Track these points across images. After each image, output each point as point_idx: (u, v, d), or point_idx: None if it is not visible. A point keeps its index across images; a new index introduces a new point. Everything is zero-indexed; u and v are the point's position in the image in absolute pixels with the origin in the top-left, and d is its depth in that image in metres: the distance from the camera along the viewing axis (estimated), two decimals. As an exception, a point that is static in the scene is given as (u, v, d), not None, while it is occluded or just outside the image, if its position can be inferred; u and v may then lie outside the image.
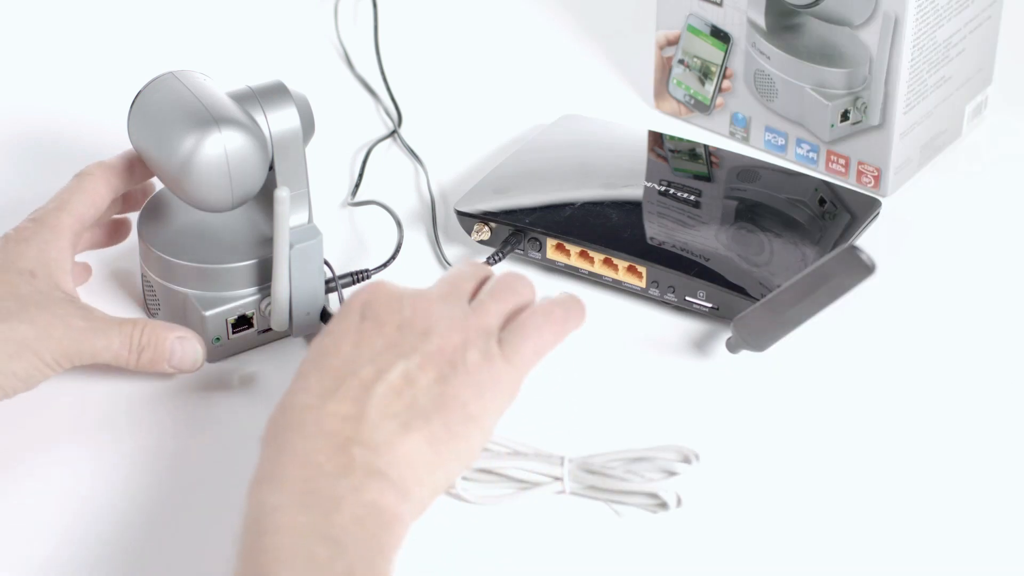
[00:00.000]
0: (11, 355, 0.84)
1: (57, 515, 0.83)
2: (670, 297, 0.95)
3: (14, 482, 0.85)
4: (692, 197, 1.00)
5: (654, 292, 0.95)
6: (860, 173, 1.05)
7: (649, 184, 1.02)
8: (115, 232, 0.98)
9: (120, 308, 0.96)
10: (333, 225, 1.03)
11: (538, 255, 0.98)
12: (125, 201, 0.97)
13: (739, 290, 0.93)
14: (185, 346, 0.89)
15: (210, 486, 0.85)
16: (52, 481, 0.85)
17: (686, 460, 0.83)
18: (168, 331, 0.89)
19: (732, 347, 0.92)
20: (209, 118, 0.87)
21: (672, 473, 0.82)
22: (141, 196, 0.97)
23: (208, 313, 0.91)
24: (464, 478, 0.83)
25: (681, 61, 1.11)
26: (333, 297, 0.95)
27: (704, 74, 1.10)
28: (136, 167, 0.95)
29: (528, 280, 0.82)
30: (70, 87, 1.18)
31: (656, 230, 0.97)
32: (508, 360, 0.78)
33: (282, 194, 0.87)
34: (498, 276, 0.82)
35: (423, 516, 0.76)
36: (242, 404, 0.90)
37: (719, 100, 1.10)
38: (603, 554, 0.81)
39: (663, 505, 0.83)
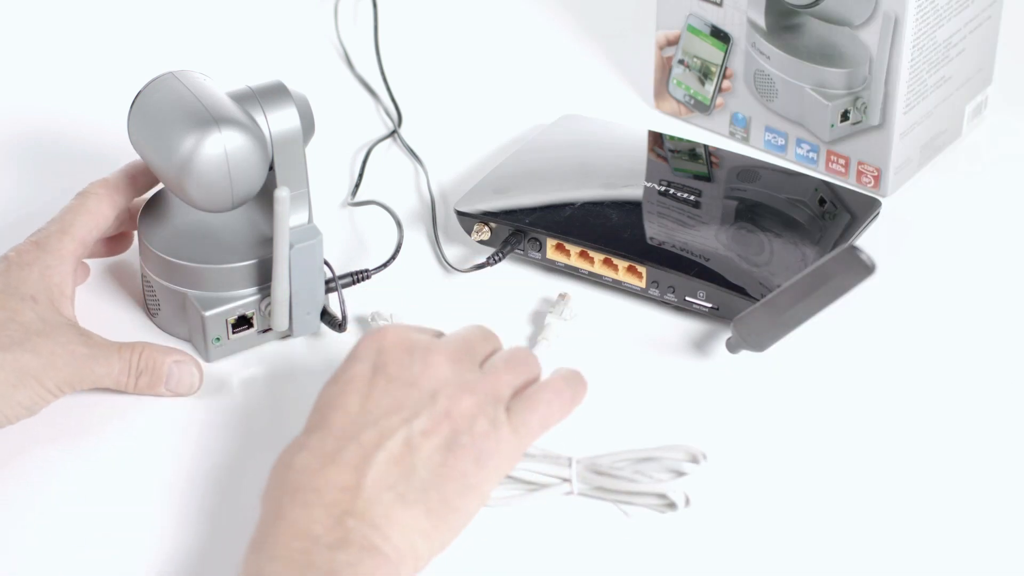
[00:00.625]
0: (15, 385, 0.84)
1: (52, 517, 0.84)
2: (670, 297, 0.95)
3: (10, 481, 0.85)
4: (692, 197, 1.00)
5: (654, 292, 0.95)
6: (860, 173, 1.05)
7: (649, 184, 1.02)
8: (118, 243, 0.98)
9: (120, 308, 0.96)
10: (333, 225, 1.03)
11: (538, 255, 0.98)
12: (132, 216, 0.97)
13: (739, 290, 0.93)
14: (182, 370, 0.89)
15: (210, 487, 0.85)
16: (48, 481, 0.85)
17: (694, 460, 0.83)
18: (166, 355, 0.89)
19: (732, 347, 0.92)
20: (209, 118, 0.87)
21: (680, 473, 0.82)
22: None
23: (208, 313, 0.91)
24: None
25: (681, 61, 1.11)
26: (333, 297, 0.95)
27: (704, 74, 1.10)
28: (139, 178, 0.94)
29: (536, 357, 0.82)
30: (70, 87, 1.18)
31: (656, 230, 0.97)
32: (515, 430, 0.78)
33: (282, 194, 0.87)
34: (511, 349, 0.82)
35: None
36: (242, 404, 0.90)
37: (719, 100, 1.10)
38: (611, 555, 0.81)
39: (671, 505, 0.83)
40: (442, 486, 0.76)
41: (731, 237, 0.97)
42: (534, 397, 0.80)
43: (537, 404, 0.79)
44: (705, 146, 1.07)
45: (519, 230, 0.98)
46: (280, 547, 0.73)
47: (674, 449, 0.83)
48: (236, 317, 0.92)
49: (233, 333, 0.92)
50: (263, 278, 0.92)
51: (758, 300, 0.90)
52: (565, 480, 0.83)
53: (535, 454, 0.84)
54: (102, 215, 0.92)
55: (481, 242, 0.99)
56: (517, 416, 0.79)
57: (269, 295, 0.92)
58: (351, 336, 0.94)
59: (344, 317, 0.92)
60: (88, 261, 0.97)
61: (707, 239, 0.96)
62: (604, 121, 1.09)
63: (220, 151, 0.87)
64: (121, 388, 0.88)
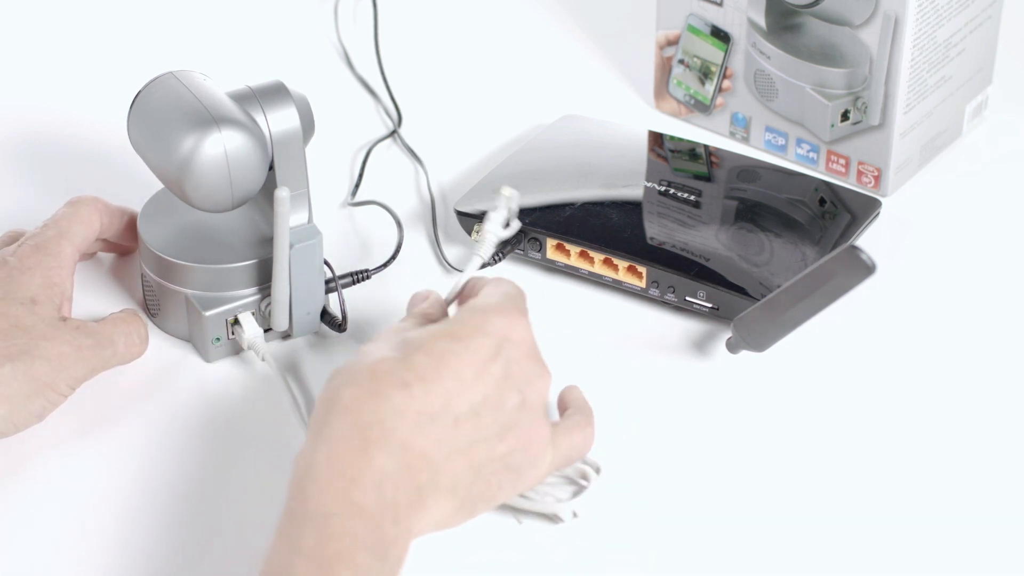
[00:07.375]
0: (29, 395, 0.84)
1: (53, 519, 0.84)
2: (670, 297, 0.95)
3: (12, 488, 0.85)
4: (692, 197, 1.00)
5: (654, 292, 0.95)
6: (860, 173, 1.06)
7: (649, 184, 1.02)
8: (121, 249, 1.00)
9: (120, 308, 0.96)
10: (333, 225, 1.03)
11: (538, 255, 0.98)
12: (131, 229, 0.98)
13: (739, 290, 0.93)
14: (142, 325, 0.93)
15: (209, 487, 0.85)
16: (50, 484, 0.85)
17: (585, 477, 0.83)
18: (139, 320, 0.92)
19: (732, 347, 0.92)
20: (209, 118, 0.87)
21: (577, 484, 0.83)
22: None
23: (208, 313, 0.91)
24: None
25: (681, 61, 1.11)
26: (333, 297, 0.95)
27: (704, 74, 1.10)
28: (117, 220, 0.96)
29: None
30: (70, 87, 1.18)
31: (656, 230, 0.97)
32: (555, 460, 0.82)
33: (282, 194, 0.87)
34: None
35: None
36: (242, 404, 0.90)
37: (719, 100, 1.10)
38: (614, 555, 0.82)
39: (557, 519, 0.82)
40: (485, 502, 0.78)
41: (731, 237, 0.97)
42: (572, 427, 0.83)
43: (575, 430, 0.83)
44: (705, 146, 1.07)
45: (519, 230, 0.98)
46: (353, 484, 0.72)
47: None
48: (236, 317, 0.92)
49: (233, 333, 0.92)
50: (263, 278, 0.92)
51: (758, 300, 0.90)
52: None
53: None
54: (91, 226, 0.94)
55: (481, 242, 0.99)
56: (560, 451, 0.81)
57: (269, 295, 0.92)
58: (351, 336, 0.94)
59: (344, 317, 0.92)
60: (88, 262, 0.98)
61: (707, 239, 0.96)
62: (604, 121, 1.09)
63: (220, 151, 0.87)
64: (122, 362, 0.90)
